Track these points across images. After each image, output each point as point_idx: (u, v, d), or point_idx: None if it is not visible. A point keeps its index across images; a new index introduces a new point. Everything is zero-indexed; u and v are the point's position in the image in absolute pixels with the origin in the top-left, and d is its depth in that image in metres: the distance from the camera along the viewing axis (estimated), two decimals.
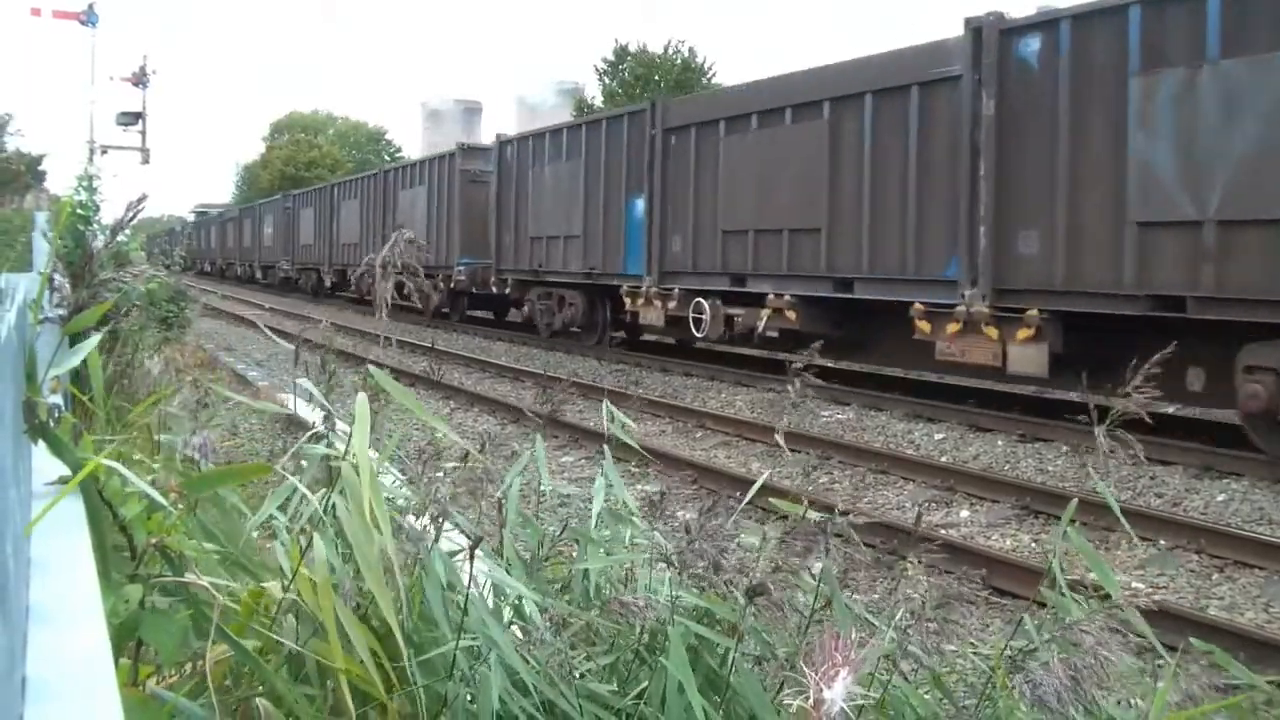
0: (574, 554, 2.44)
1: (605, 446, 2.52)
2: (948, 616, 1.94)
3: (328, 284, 32.25)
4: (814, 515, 2.16)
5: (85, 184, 7.89)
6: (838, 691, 1.31)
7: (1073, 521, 2.10)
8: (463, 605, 1.81)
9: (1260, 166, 7.71)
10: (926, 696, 2.09)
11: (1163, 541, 6.42)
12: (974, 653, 2.63)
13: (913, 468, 8.47)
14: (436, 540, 1.88)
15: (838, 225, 11.71)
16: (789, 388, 2.40)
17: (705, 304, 13.97)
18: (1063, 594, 2.01)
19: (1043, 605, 2.25)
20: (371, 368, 2.02)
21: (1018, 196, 9.60)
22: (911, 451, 9.33)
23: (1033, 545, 6.56)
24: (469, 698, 1.81)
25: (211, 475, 1.95)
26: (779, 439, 2.62)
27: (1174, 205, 8.24)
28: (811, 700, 1.31)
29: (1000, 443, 9.42)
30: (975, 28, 9.91)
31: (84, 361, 2.10)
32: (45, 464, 1.62)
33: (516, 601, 2.06)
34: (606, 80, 40.48)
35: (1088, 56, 8.93)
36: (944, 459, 9.01)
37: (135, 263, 6.34)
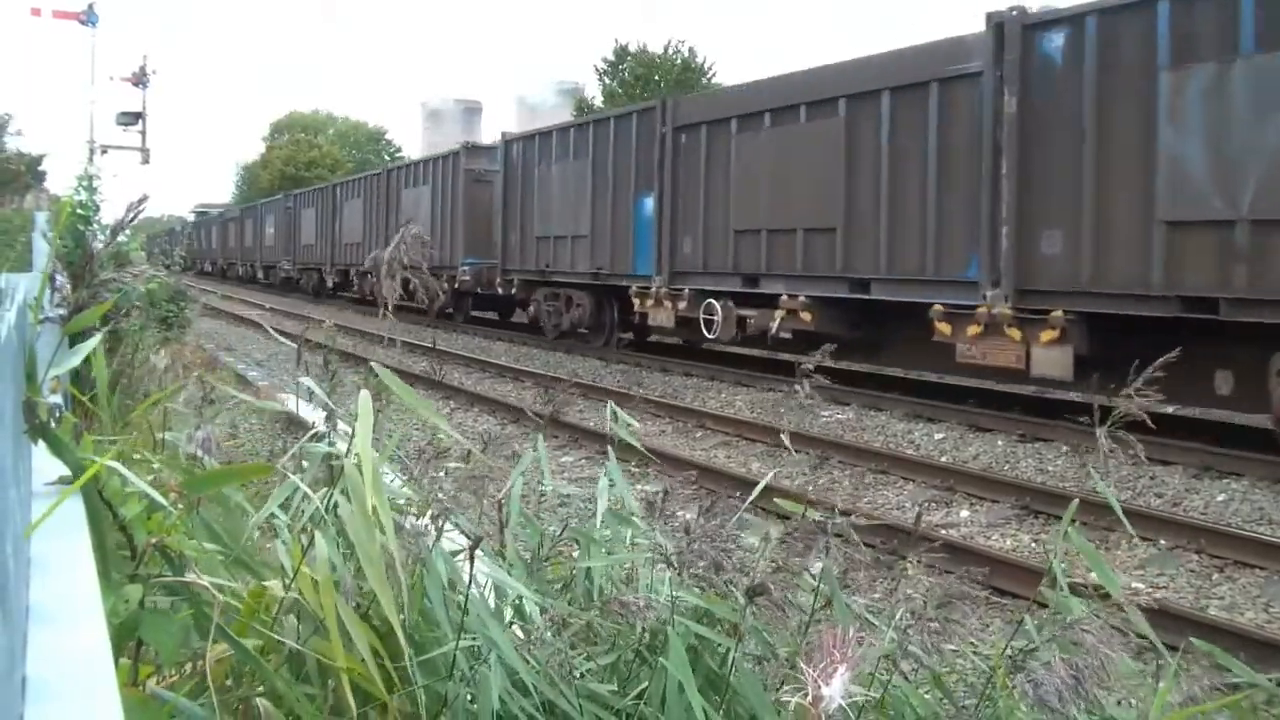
0: (574, 554, 2.44)
1: (609, 448, 2.52)
2: (949, 616, 1.94)
3: (330, 284, 32.21)
4: (814, 515, 2.16)
5: (85, 184, 7.91)
6: (836, 688, 1.31)
7: (1073, 521, 2.10)
8: (463, 605, 1.81)
9: None
10: (927, 696, 2.09)
11: (1163, 541, 6.41)
12: (974, 653, 2.63)
13: (913, 468, 8.47)
14: (438, 539, 1.89)
15: (854, 225, 11.50)
16: (797, 388, 2.40)
17: (717, 305, 13.76)
18: (1063, 594, 2.01)
19: (1043, 605, 2.25)
20: (375, 365, 2.02)
21: (1041, 195, 9.40)
22: (911, 451, 9.33)
23: (1033, 545, 6.56)
24: (469, 697, 1.81)
25: (212, 475, 1.95)
26: (785, 439, 2.62)
27: (1205, 203, 8.06)
28: (810, 697, 1.31)
29: (1000, 443, 9.41)
30: (997, 23, 9.66)
31: (85, 361, 2.10)
32: (45, 464, 1.62)
33: (517, 601, 2.06)
34: (606, 80, 40.55)
35: (1115, 51, 8.73)
36: (944, 459, 9.00)
37: (135, 263, 6.35)
